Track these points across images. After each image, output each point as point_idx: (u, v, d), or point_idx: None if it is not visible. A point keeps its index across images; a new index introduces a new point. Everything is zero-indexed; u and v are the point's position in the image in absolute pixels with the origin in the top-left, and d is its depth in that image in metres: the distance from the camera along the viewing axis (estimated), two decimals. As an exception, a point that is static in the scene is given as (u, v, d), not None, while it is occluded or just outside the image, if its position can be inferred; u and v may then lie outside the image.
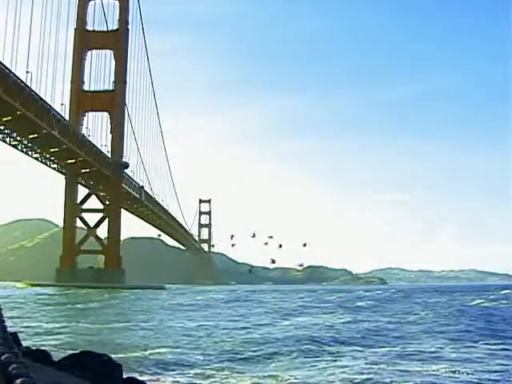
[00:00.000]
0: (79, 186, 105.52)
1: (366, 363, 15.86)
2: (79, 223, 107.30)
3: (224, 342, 21.07)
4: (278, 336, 22.77)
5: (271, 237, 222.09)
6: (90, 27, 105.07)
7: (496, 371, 14.81)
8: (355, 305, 49.89)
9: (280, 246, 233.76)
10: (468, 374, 14.37)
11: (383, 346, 19.98)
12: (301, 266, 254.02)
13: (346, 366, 15.44)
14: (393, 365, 15.71)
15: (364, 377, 13.79)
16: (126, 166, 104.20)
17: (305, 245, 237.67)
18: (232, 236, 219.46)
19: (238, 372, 14.51)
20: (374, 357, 17.17)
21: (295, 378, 13.69)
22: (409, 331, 25.27)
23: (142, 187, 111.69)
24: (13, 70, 69.47)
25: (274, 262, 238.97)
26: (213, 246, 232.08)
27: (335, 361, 16.56)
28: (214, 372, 14.46)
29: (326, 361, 16.54)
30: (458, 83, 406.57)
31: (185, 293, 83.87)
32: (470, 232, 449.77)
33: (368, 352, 18.31)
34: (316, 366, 15.72)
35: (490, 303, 51.30)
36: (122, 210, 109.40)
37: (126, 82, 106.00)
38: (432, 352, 18.36)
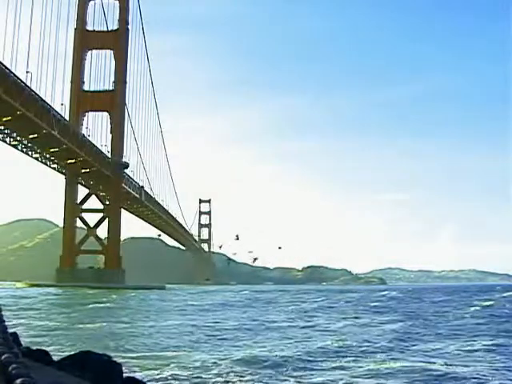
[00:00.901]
0: (79, 185, 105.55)
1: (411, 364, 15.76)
2: (79, 223, 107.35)
3: (243, 344, 20.88)
4: (313, 335, 22.44)
5: (237, 238, 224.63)
6: (90, 27, 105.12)
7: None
8: (371, 305, 49.10)
9: (250, 256, 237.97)
10: None
11: (417, 345, 20.11)
12: (255, 260, 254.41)
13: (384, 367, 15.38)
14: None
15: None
16: (126, 166, 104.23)
17: (280, 248, 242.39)
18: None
19: (249, 375, 14.42)
20: (418, 358, 17.08)
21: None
22: (435, 331, 25.16)
23: (142, 187, 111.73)
24: (13, 70, 69.52)
25: (229, 260, 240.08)
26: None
27: (370, 362, 16.35)
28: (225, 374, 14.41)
29: (358, 362, 16.37)
30: (457, 83, 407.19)
31: (192, 293, 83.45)
32: (469, 232, 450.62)
33: (408, 353, 18.21)
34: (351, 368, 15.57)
35: (502, 304, 50.96)
36: (122, 210, 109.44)
37: (125, 82, 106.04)
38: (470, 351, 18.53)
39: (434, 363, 15.99)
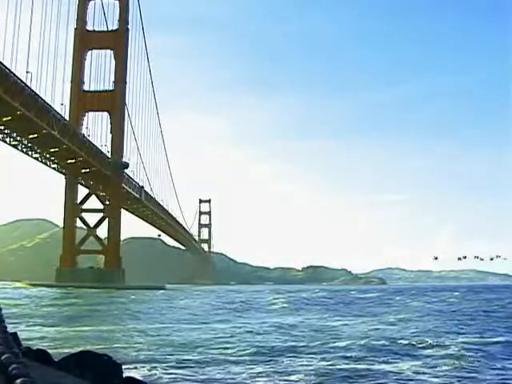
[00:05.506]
0: (79, 185, 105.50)
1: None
2: (79, 223, 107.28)
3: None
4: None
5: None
6: (90, 27, 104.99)
7: None
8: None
9: None
10: None
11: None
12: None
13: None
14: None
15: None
16: (126, 166, 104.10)
17: None
18: None
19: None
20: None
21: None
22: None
23: (142, 187, 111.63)
24: (13, 70, 69.42)
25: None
26: None
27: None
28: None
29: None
30: (458, 83, 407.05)
31: (198, 293, 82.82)
32: (470, 232, 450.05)
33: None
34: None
35: None
36: (122, 210, 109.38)
37: (126, 82, 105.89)
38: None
39: None
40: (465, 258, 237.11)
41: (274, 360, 16.61)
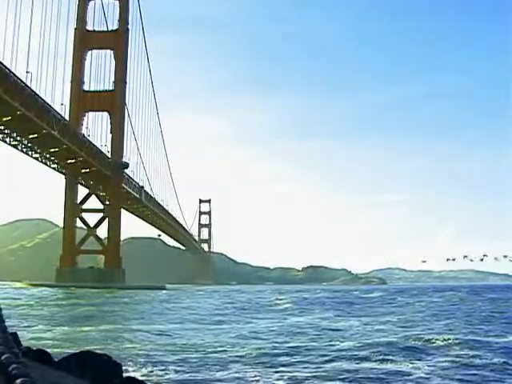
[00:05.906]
0: (79, 185, 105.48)
1: None
2: (79, 223, 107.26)
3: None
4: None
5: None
6: (90, 27, 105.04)
7: None
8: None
9: None
10: None
11: None
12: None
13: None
14: None
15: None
16: (126, 166, 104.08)
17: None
18: None
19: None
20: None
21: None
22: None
23: (142, 187, 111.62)
24: (13, 70, 69.40)
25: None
26: None
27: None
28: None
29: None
30: (458, 83, 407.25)
31: (201, 294, 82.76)
32: (469, 232, 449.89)
33: None
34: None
35: None
36: (122, 210, 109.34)
37: (126, 82, 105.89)
38: None
39: None
40: (453, 259, 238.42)
41: (278, 360, 16.59)
